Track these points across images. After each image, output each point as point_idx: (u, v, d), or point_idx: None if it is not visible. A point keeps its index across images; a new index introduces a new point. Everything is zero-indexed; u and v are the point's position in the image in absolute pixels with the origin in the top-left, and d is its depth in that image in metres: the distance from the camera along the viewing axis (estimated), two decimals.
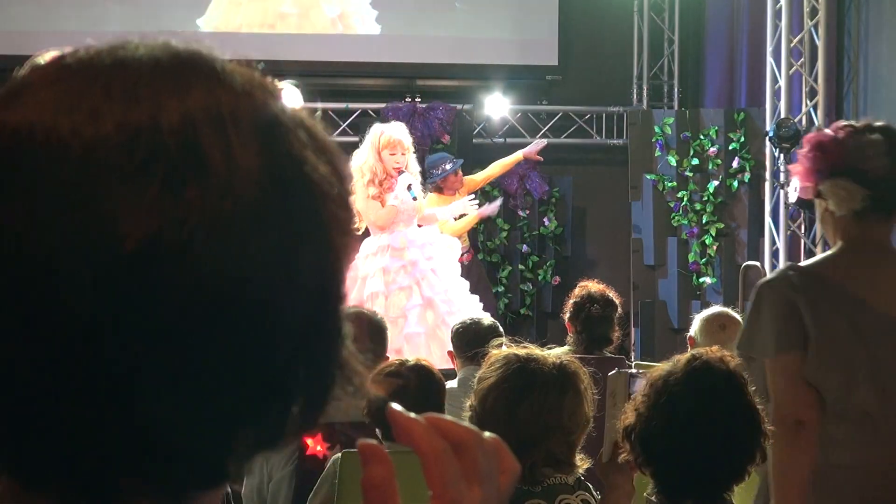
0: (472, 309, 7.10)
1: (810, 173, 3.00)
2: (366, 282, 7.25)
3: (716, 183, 10.11)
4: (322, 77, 10.48)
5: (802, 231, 9.13)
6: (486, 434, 0.72)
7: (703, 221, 10.12)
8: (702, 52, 11.29)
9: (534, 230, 10.65)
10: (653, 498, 2.44)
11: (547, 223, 10.66)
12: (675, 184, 10.17)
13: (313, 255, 0.69)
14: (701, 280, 10.12)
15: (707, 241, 10.12)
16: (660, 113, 10.55)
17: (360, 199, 7.21)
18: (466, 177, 8.82)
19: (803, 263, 3.10)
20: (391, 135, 7.29)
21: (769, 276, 3.09)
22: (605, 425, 2.68)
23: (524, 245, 10.60)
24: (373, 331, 4.40)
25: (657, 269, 10.21)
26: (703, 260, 10.13)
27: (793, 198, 8.01)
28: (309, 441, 3.87)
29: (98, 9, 10.18)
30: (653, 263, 10.20)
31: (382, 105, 10.43)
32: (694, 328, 4.99)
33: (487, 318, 5.73)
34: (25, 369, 0.64)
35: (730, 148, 10.13)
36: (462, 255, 8.00)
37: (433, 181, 8.50)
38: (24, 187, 0.64)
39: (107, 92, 0.66)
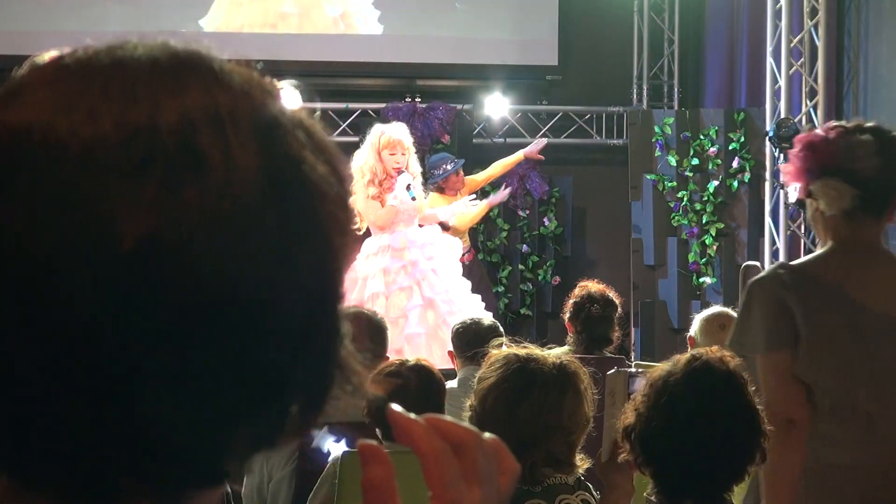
0: (473, 309, 7.10)
1: (801, 173, 3.02)
2: (366, 282, 7.25)
3: (716, 183, 10.11)
4: (322, 77, 10.48)
5: (802, 231, 9.13)
6: (486, 435, 0.72)
7: (703, 221, 10.12)
8: (702, 52, 11.29)
9: (534, 230, 10.65)
10: (652, 498, 2.44)
11: (547, 223, 10.66)
12: (675, 184, 10.17)
13: (312, 254, 0.69)
14: (701, 280, 10.12)
15: (707, 241, 10.12)
16: (660, 113, 10.55)
17: (361, 199, 7.21)
18: (468, 177, 8.82)
19: (794, 262, 3.12)
20: (391, 135, 7.29)
21: (760, 274, 3.10)
22: (604, 425, 2.68)
23: (524, 245, 10.60)
24: (373, 331, 4.40)
25: (657, 269, 10.21)
26: (703, 260, 10.13)
27: (793, 198, 7.98)
28: None
29: (98, 9, 10.18)
30: (653, 263, 10.20)
31: (382, 105, 10.43)
32: (694, 328, 4.99)
33: (488, 318, 5.73)
34: (25, 369, 0.64)
35: (730, 148, 10.13)
36: (463, 255, 8.00)
37: (435, 181, 8.51)
38: (22, 187, 0.64)
39: (105, 92, 0.66)
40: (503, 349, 2.94)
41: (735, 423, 2.39)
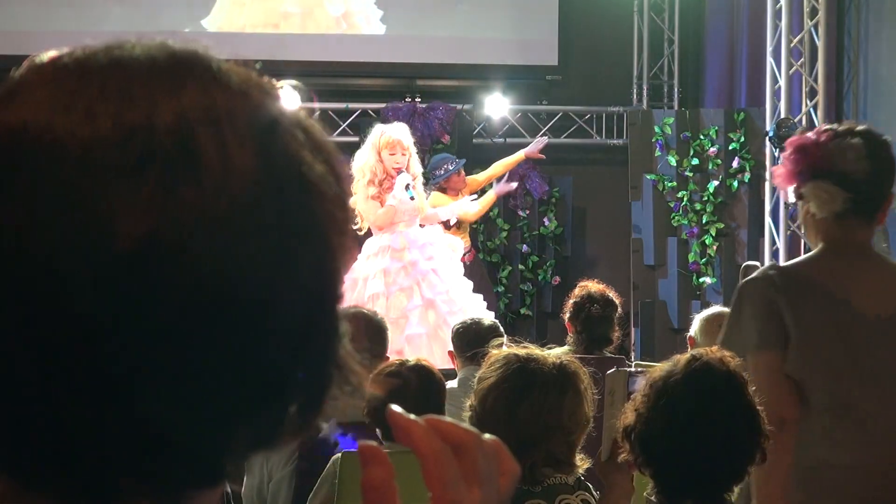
0: (474, 308, 7.10)
1: (793, 176, 3.05)
2: (366, 283, 7.25)
3: (716, 183, 10.11)
4: (322, 77, 10.48)
5: (802, 231, 9.12)
6: (486, 436, 0.72)
7: (703, 221, 10.13)
8: (702, 52, 11.30)
9: (534, 230, 10.65)
10: (652, 498, 2.44)
11: (547, 223, 10.66)
12: (675, 184, 10.17)
13: (310, 254, 0.69)
14: (701, 280, 10.12)
15: (707, 241, 10.12)
16: (660, 113, 10.56)
17: (361, 199, 7.21)
18: (469, 177, 8.84)
19: (784, 264, 3.15)
20: (391, 135, 7.29)
21: (750, 276, 3.12)
22: (603, 424, 2.68)
23: (524, 245, 10.60)
24: (373, 331, 4.40)
25: (657, 269, 10.21)
26: (703, 260, 10.13)
27: (792, 198, 8.00)
28: None
29: (98, 9, 10.19)
30: (653, 263, 10.20)
31: (382, 105, 10.44)
32: (694, 328, 4.99)
33: (488, 318, 5.73)
34: (25, 369, 0.64)
35: (730, 148, 10.13)
36: (463, 255, 8.01)
37: (436, 182, 8.52)
38: (22, 187, 0.64)
39: (103, 91, 0.66)
40: (503, 349, 2.94)
41: (735, 423, 2.38)
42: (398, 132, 7.36)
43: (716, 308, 5.19)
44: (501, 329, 5.46)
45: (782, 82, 9.26)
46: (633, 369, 2.81)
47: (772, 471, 2.85)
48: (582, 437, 2.76)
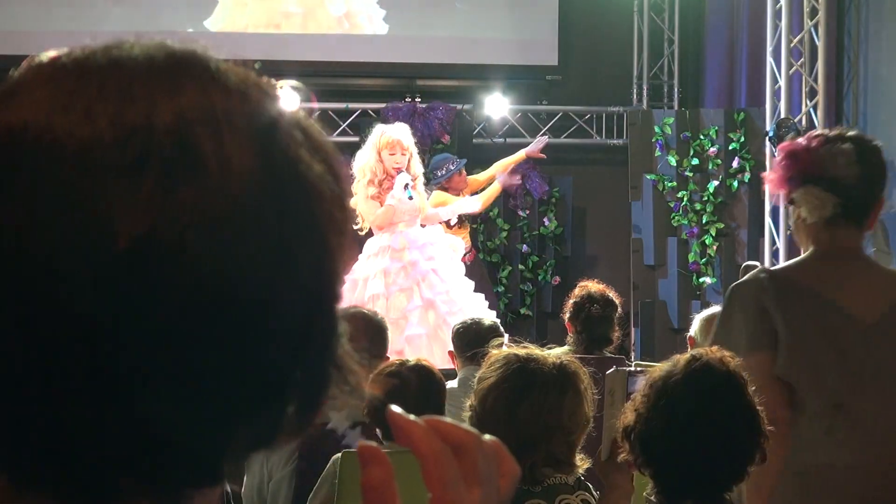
0: (475, 308, 7.09)
1: (784, 181, 3.08)
2: (367, 283, 7.24)
3: (716, 183, 10.11)
4: (322, 77, 10.48)
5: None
6: (486, 437, 0.72)
7: (703, 221, 10.13)
8: (702, 52, 11.30)
9: (534, 230, 10.65)
10: (652, 498, 2.44)
11: (547, 223, 10.66)
12: (675, 184, 10.17)
13: (309, 254, 0.69)
14: (701, 280, 10.12)
15: (707, 241, 10.12)
16: (660, 113, 10.56)
17: (361, 199, 7.21)
18: (470, 176, 8.85)
19: (774, 268, 3.18)
20: (391, 135, 7.29)
21: (742, 279, 3.16)
22: (603, 424, 2.68)
23: (524, 245, 10.60)
24: (373, 331, 4.39)
25: (657, 269, 10.21)
26: (703, 260, 10.13)
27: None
28: None
29: (98, 9, 10.19)
30: (653, 263, 10.20)
31: (382, 105, 10.44)
32: (694, 328, 4.99)
33: (488, 319, 5.73)
34: (25, 369, 0.64)
35: (730, 148, 10.13)
36: (464, 255, 8.01)
37: (437, 182, 8.53)
38: (21, 187, 0.64)
39: (101, 91, 0.67)
40: (503, 349, 2.94)
41: (735, 423, 2.38)
42: (398, 132, 7.36)
43: (716, 308, 5.17)
44: (501, 329, 5.46)
45: (782, 82, 9.26)
46: (632, 369, 2.82)
47: (765, 471, 2.86)
48: (582, 437, 2.76)
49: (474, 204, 8.15)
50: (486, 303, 7.58)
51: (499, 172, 8.97)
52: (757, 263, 8.58)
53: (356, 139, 9.67)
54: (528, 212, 10.60)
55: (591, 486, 2.79)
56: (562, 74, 10.91)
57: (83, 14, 10.17)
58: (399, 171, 7.23)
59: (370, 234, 7.39)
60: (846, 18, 9.30)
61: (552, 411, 2.70)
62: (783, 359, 2.93)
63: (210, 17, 10.53)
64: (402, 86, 10.78)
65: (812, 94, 9.27)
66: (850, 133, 3.11)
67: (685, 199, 10.14)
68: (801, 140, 3.12)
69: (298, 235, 0.68)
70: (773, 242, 9.36)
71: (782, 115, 9.17)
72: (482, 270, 9.11)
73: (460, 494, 0.69)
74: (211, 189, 0.65)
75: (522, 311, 10.58)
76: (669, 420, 2.37)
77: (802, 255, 3.12)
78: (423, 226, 7.49)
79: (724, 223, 10.12)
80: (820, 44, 9.18)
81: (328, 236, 0.70)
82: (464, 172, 8.75)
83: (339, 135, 10.40)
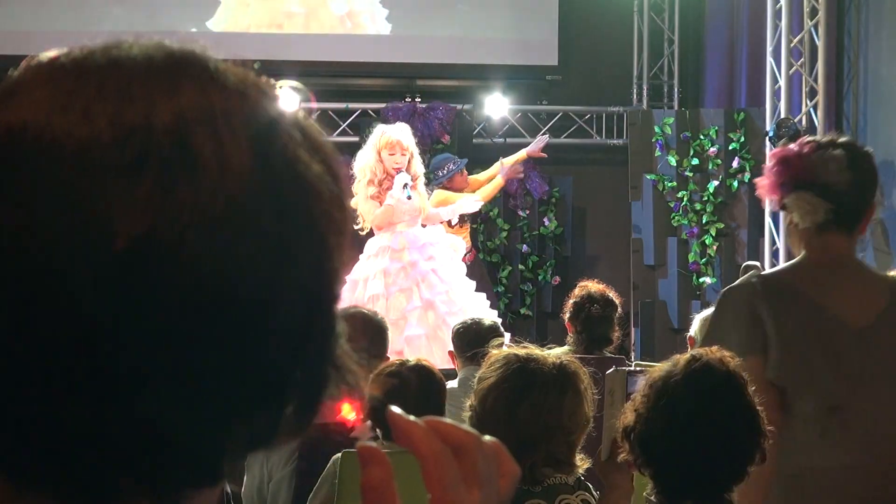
0: (477, 308, 7.09)
1: (776, 187, 3.11)
2: (367, 284, 7.24)
3: (716, 183, 10.11)
4: (322, 77, 10.48)
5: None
6: (486, 437, 0.72)
7: (703, 221, 10.13)
8: (702, 52, 11.30)
9: (534, 230, 10.65)
10: (652, 498, 2.43)
11: (547, 223, 10.66)
12: (675, 184, 10.17)
13: (308, 254, 0.69)
14: (701, 280, 10.12)
15: (707, 241, 10.12)
16: (660, 113, 10.56)
17: (362, 199, 7.21)
18: (471, 176, 8.85)
19: (766, 272, 3.22)
20: (391, 135, 7.30)
21: (734, 283, 3.19)
22: (603, 424, 2.68)
23: (524, 245, 10.61)
24: (373, 331, 4.39)
25: (657, 269, 10.21)
26: (703, 260, 10.13)
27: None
28: (345, 406, 3.72)
29: (98, 9, 10.19)
30: (653, 263, 10.20)
31: (382, 105, 10.44)
32: (694, 328, 4.99)
33: (488, 318, 5.73)
34: (25, 369, 0.64)
35: (730, 148, 10.13)
36: (464, 255, 8.01)
37: (439, 182, 8.54)
38: (19, 186, 0.64)
39: (100, 91, 0.67)
40: (503, 349, 2.94)
41: (735, 423, 2.38)
42: (398, 132, 7.36)
43: None
44: (501, 329, 5.46)
45: (782, 82, 9.26)
46: (632, 369, 2.82)
47: (757, 473, 2.88)
48: (582, 437, 2.76)
49: (475, 203, 8.14)
50: (488, 302, 7.58)
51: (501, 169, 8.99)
52: (757, 263, 8.59)
53: (356, 139, 9.68)
54: (528, 212, 10.60)
55: (591, 486, 2.79)
56: (562, 74, 10.91)
57: (83, 14, 10.18)
58: (399, 171, 7.23)
59: (371, 234, 7.38)
60: (846, 18, 9.30)
61: (552, 411, 2.70)
62: (775, 363, 2.96)
63: (212, 18, 10.54)
64: (402, 86, 10.78)
65: (812, 94, 9.27)
66: (842, 139, 3.14)
67: (685, 199, 10.14)
68: (793, 146, 3.15)
69: (297, 235, 0.68)
70: (773, 242, 9.36)
71: (782, 115, 9.17)
72: (482, 270, 9.11)
73: (460, 495, 0.69)
74: (209, 189, 0.65)
75: (522, 311, 10.58)
76: (669, 420, 2.37)
77: (794, 260, 3.15)
78: (423, 226, 7.49)
79: (724, 223, 10.12)
80: (820, 44, 9.18)
81: (327, 236, 0.70)
82: (465, 172, 8.76)
83: (339, 135, 10.40)
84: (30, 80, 0.69)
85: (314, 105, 9.74)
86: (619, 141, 10.97)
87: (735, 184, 10.10)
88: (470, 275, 7.70)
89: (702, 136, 10.19)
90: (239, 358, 0.66)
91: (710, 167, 10.16)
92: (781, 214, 3.25)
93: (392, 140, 7.26)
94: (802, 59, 9.27)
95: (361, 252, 7.34)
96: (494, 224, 10.50)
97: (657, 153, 10.23)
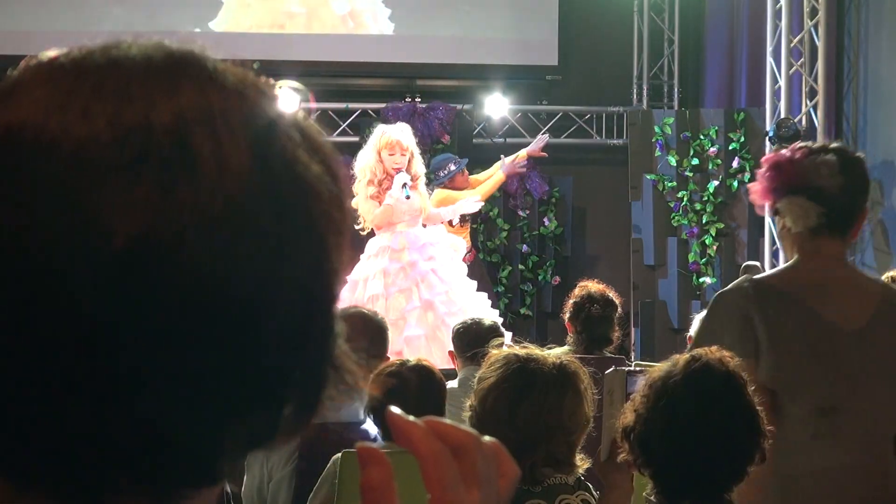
0: (475, 309, 7.09)
1: (768, 192, 3.15)
2: (367, 284, 7.24)
3: (716, 183, 10.11)
4: (322, 77, 10.49)
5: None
6: (486, 438, 0.72)
7: (703, 221, 10.13)
8: (702, 52, 11.30)
9: (534, 230, 10.65)
10: (652, 498, 2.43)
11: (547, 223, 10.66)
12: (675, 184, 10.17)
13: (306, 254, 0.69)
14: (701, 280, 10.12)
15: (707, 241, 10.12)
16: (660, 113, 10.56)
17: (362, 199, 7.21)
18: (472, 176, 8.85)
19: (758, 276, 3.24)
20: (391, 136, 7.30)
21: (726, 287, 3.22)
22: (602, 424, 2.68)
23: (524, 245, 10.61)
24: (373, 331, 4.39)
25: (657, 269, 10.22)
26: (703, 260, 10.13)
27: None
28: None
29: (98, 9, 10.19)
30: (653, 263, 10.21)
31: (382, 105, 10.44)
32: (694, 328, 4.99)
33: (489, 318, 5.72)
34: (24, 369, 0.64)
35: (730, 148, 10.13)
36: (464, 255, 8.00)
37: (440, 182, 8.54)
38: (18, 186, 0.64)
39: (99, 91, 0.67)
40: (503, 349, 2.94)
41: (734, 423, 2.38)
42: (398, 133, 7.36)
43: None
44: (502, 329, 5.46)
45: (782, 82, 9.26)
46: (631, 369, 2.83)
47: (751, 474, 2.90)
48: (582, 437, 2.76)
49: (475, 203, 8.14)
50: (489, 302, 7.58)
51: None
52: (757, 263, 8.59)
53: (356, 139, 9.68)
54: (528, 212, 10.60)
55: (591, 486, 2.79)
56: (562, 74, 10.91)
57: (83, 14, 10.18)
58: (398, 171, 7.23)
59: (372, 234, 7.38)
60: (846, 18, 9.30)
61: (552, 411, 2.70)
62: (766, 366, 2.98)
63: (215, 19, 10.54)
64: (402, 86, 10.79)
65: (812, 94, 9.27)
66: (834, 145, 3.18)
67: (685, 199, 10.14)
68: (785, 152, 3.19)
69: (296, 236, 0.68)
70: (773, 242, 9.36)
71: (782, 115, 9.17)
72: (482, 270, 9.11)
73: (460, 496, 0.69)
74: (208, 189, 0.65)
75: (522, 311, 10.58)
76: (669, 420, 2.37)
77: (787, 264, 3.19)
78: (424, 226, 7.49)
79: (724, 223, 10.12)
80: (820, 44, 9.19)
81: (326, 236, 0.70)
82: (466, 172, 8.76)
83: (339, 135, 10.40)
84: (29, 80, 0.69)
85: (314, 105, 9.74)
86: (619, 141, 10.97)
87: (735, 184, 10.10)
88: (470, 275, 7.70)
89: (702, 136, 10.19)
90: (238, 357, 0.66)
91: (710, 167, 10.16)
92: (774, 219, 3.27)
93: (392, 140, 7.26)
94: (802, 59, 9.27)
95: (362, 252, 7.34)
96: (494, 224, 10.50)
97: (657, 153, 10.23)
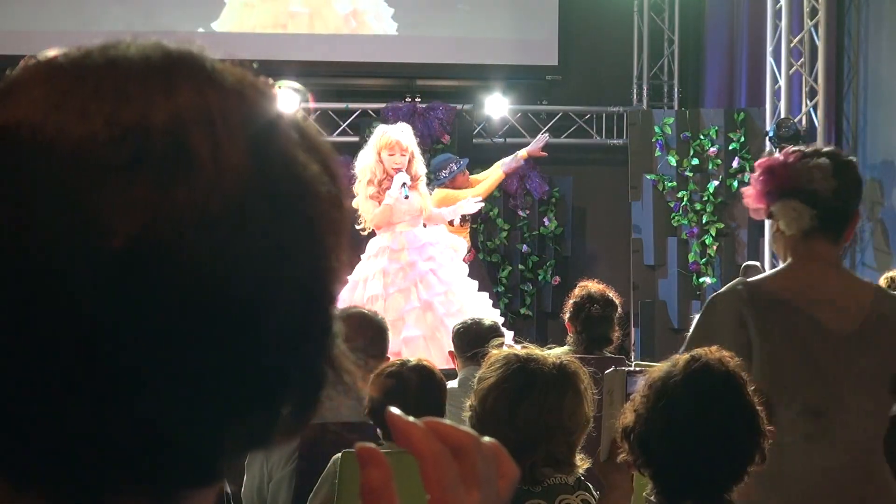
0: (475, 309, 7.09)
1: (762, 195, 3.18)
2: (366, 284, 7.24)
3: (716, 183, 10.11)
4: (322, 77, 10.49)
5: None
6: (486, 438, 0.72)
7: (703, 221, 10.13)
8: (702, 52, 11.30)
9: (534, 230, 10.65)
10: (652, 498, 2.43)
11: (547, 223, 10.66)
12: (675, 184, 10.18)
13: (305, 254, 0.69)
14: (701, 280, 10.12)
15: (707, 241, 10.12)
16: (660, 113, 10.56)
17: (361, 199, 7.21)
18: (472, 176, 8.86)
19: (752, 279, 3.26)
20: (390, 136, 7.30)
21: (720, 290, 3.25)
22: (602, 424, 2.68)
23: (524, 245, 10.61)
24: (372, 331, 4.39)
25: (657, 269, 10.22)
26: (703, 260, 10.13)
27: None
28: None
29: (97, 9, 10.19)
30: (653, 263, 10.21)
31: (382, 105, 10.44)
32: None
33: (489, 318, 5.72)
34: (23, 369, 0.64)
35: (730, 148, 10.14)
36: (464, 255, 8.00)
37: (441, 182, 8.54)
38: (16, 185, 0.64)
39: (97, 91, 0.67)
40: (503, 349, 2.94)
41: (734, 423, 2.38)
42: (398, 133, 7.36)
43: None
44: (502, 329, 5.46)
45: (782, 82, 9.26)
46: (631, 369, 2.83)
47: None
48: (582, 437, 2.76)
49: (476, 203, 8.14)
50: (490, 302, 7.58)
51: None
52: (757, 263, 8.59)
53: (356, 139, 9.68)
54: (528, 212, 10.60)
55: (591, 486, 2.79)
56: (562, 74, 10.92)
57: (83, 14, 10.18)
58: (398, 171, 7.23)
59: (373, 234, 7.38)
60: (846, 18, 9.30)
61: (552, 411, 2.70)
62: (760, 368, 3.00)
63: (217, 20, 10.54)
64: (402, 86, 10.79)
65: (812, 94, 9.27)
66: (826, 149, 3.22)
67: (685, 199, 10.14)
68: (778, 155, 3.22)
69: (294, 235, 0.68)
70: None
71: (782, 115, 9.17)
72: (482, 270, 9.11)
73: (459, 496, 0.69)
74: (206, 189, 0.65)
75: (522, 311, 10.58)
76: (669, 420, 2.37)
77: (780, 267, 3.21)
78: (425, 226, 7.49)
79: (724, 223, 10.12)
80: (820, 44, 9.19)
81: (325, 236, 0.70)
82: (467, 172, 8.77)
83: (339, 135, 10.40)
84: (27, 80, 0.69)
85: (314, 105, 9.74)
86: (619, 141, 10.97)
87: (735, 184, 10.10)
88: (470, 275, 7.70)
89: (702, 136, 10.19)
90: (237, 357, 0.66)
91: (710, 167, 10.16)
92: (768, 223, 3.28)
93: (392, 140, 7.26)
94: (802, 59, 9.28)
95: (362, 252, 7.34)
96: (494, 224, 10.50)
97: (657, 153, 10.23)
